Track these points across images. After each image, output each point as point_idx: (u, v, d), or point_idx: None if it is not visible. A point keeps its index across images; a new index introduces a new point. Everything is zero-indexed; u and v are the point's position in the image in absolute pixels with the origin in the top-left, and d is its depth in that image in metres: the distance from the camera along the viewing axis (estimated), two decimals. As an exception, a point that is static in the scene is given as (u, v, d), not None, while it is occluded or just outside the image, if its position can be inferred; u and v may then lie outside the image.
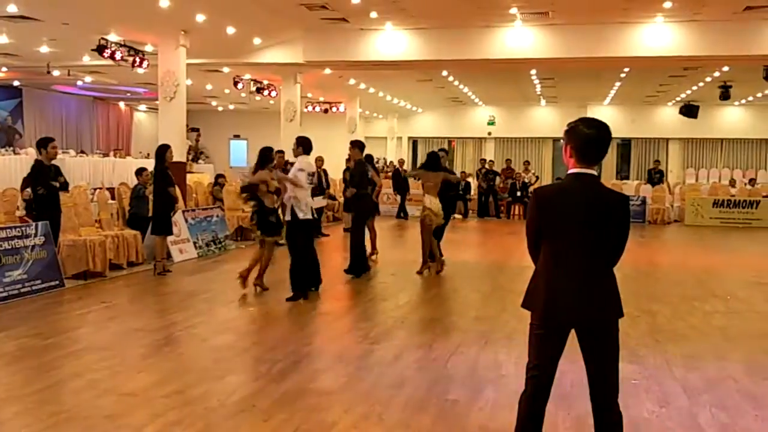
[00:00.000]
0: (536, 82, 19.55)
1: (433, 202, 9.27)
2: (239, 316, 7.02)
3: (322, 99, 22.48)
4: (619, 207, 2.99)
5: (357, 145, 9.59)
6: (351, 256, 9.33)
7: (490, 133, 27.18)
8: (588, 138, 2.99)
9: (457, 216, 19.57)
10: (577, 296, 2.95)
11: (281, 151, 11.11)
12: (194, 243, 10.89)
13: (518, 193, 19.56)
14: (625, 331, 5.46)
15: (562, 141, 3.14)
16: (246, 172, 8.77)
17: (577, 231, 2.97)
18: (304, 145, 7.89)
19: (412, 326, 6.61)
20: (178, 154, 12.06)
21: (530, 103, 25.76)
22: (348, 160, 14.63)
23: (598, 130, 3.01)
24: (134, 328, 6.32)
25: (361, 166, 9.44)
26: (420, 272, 9.52)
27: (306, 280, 7.83)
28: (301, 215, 7.66)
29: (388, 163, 25.13)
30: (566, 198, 3.00)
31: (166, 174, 9.15)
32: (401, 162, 20.96)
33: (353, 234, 9.45)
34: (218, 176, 14.73)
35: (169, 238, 9.85)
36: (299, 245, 7.73)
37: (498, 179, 20.20)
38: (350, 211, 10.67)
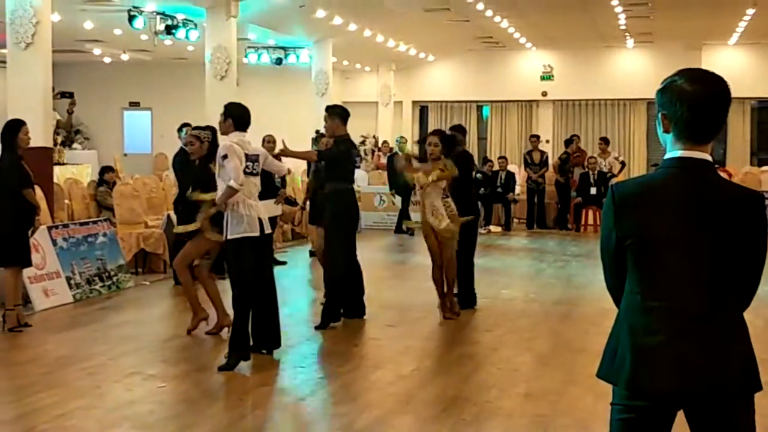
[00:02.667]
0: (619, 10, 19.65)
1: (440, 209, 9.56)
2: (143, 397, 7.01)
3: (273, 43, 22.51)
4: (747, 211, 3.02)
5: (337, 113, 9.57)
6: (327, 295, 9.39)
7: (545, 94, 27.30)
8: (693, 101, 3.03)
9: (493, 228, 19.67)
10: (684, 356, 2.97)
11: (210, 128, 11.15)
12: (68, 279, 10.90)
13: (592, 190, 19.62)
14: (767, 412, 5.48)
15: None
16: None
17: (681, 251, 3.00)
18: (234, 116, 7.93)
19: (423, 410, 6.62)
20: (40, 135, 12.03)
21: (610, 45, 25.85)
22: (316, 140, 14.61)
23: (708, 87, 3.04)
24: (-29, 419, 6.31)
25: (343, 145, 9.49)
26: (447, 316, 9.86)
27: (254, 336, 7.86)
28: (237, 231, 7.69)
29: (380, 145, 25.18)
30: (662, 198, 3.03)
31: (18, 168, 9.15)
32: (403, 142, 20.99)
33: (331, 257, 9.45)
34: (105, 170, 14.76)
35: (26, 272, 9.84)
36: (241, 281, 7.75)
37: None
38: (319, 224, 10.66)
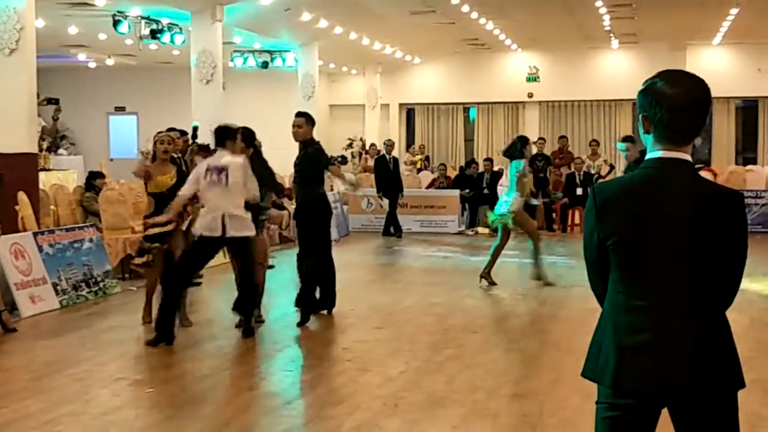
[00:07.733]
0: (603, 11, 19.72)
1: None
2: (130, 402, 7.01)
3: (259, 46, 22.50)
4: (728, 211, 3.03)
5: (313, 120, 10.01)
6: (302, 288, 9.78)
7: (531, 95, 27.34)
8: (672, 103, 3.04)
9: (480, 230, 19.69)
10: (668, 354, 2.98)
11: (186, 132, 11.20)
12: (54, 285, 10.86)
13: (579, 191, 19.71)
14: (751, 409, 5.49)
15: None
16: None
17: (662, 250, 3.01)
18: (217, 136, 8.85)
19: (411, 412, 6.61)
20: (25, 141, 12.01)
21: (595, 46, 25.92)
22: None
23: (688, 89, 3.06)
24: (-43, 426, 6.28)
25: (312, 148, 9.93)
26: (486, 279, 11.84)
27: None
28: (198, 230, 8.57)
29: (368, 147, 25.20)
30: (643, 198, 3.05)
31: None
32: (390, 144, 20.96)
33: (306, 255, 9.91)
34: (92, 175, 14.71)
35: (13, 278, 9.79)
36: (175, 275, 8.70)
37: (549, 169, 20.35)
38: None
